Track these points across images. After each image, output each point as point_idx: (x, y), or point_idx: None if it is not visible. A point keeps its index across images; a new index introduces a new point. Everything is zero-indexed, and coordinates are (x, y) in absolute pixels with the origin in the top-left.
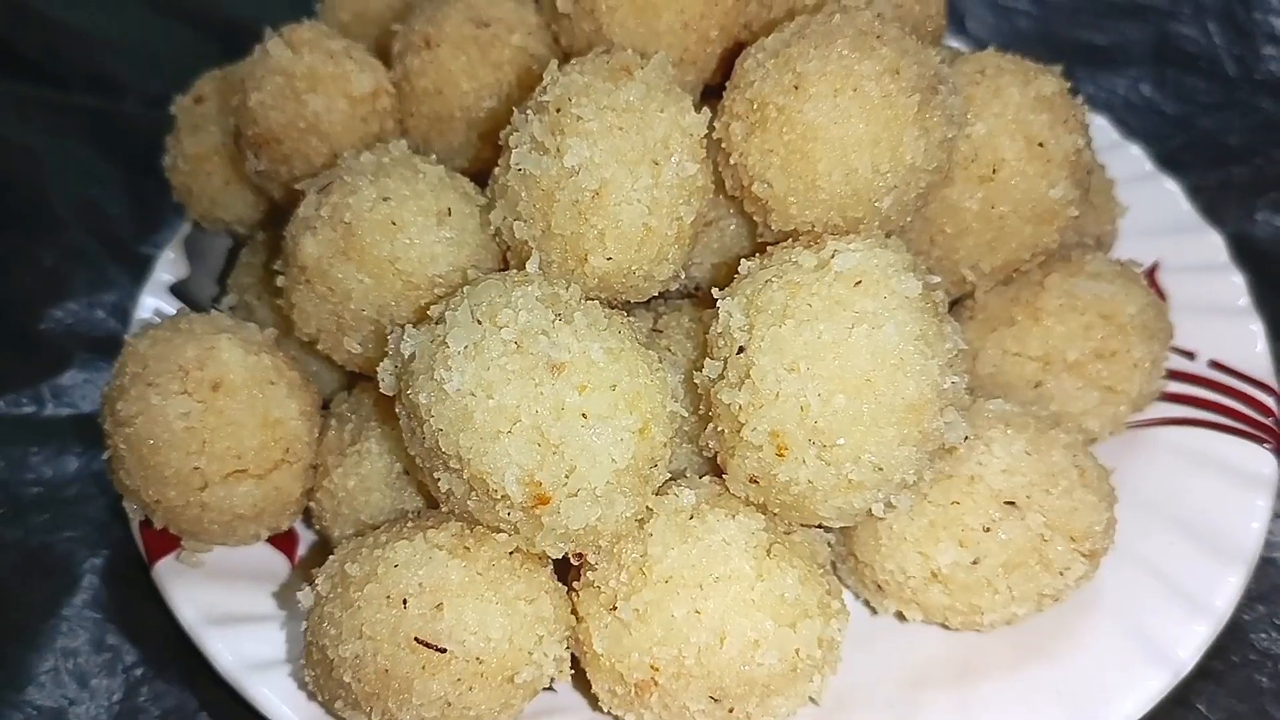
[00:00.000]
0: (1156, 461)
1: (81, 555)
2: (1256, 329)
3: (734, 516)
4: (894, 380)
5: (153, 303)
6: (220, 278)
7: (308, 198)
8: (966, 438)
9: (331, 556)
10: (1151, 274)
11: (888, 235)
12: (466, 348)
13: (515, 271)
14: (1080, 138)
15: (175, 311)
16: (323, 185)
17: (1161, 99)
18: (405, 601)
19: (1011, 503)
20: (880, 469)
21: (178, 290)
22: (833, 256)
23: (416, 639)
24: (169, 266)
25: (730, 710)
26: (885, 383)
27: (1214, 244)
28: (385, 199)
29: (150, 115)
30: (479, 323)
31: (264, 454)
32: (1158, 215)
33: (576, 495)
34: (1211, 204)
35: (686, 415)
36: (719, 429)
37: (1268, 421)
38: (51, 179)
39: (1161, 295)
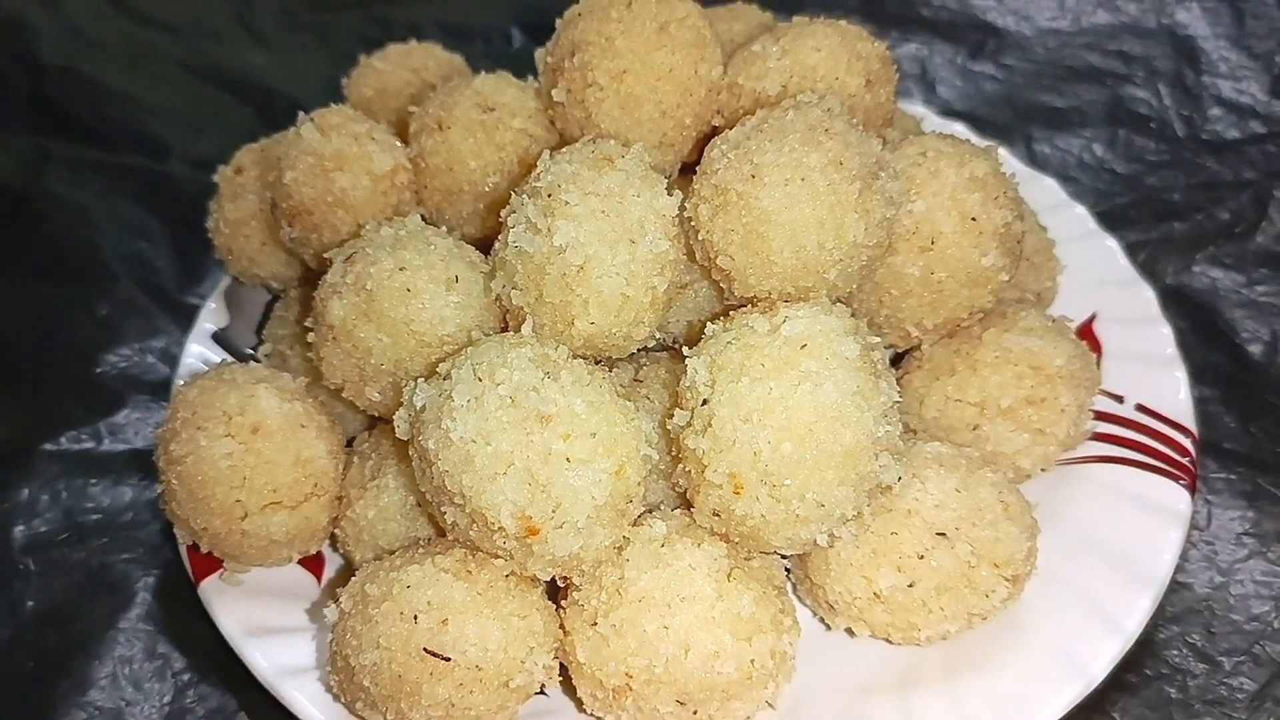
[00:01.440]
0: (1083, 495)
1: (135, 575)
2: (1180, 376)
3: (699, 545)
4: (833, 430)
5: (198, 349)
6: (258, 328)
7: (334, 265)
8: (900, 478)
9: (354, 578)
10: (1089, 324)
11: (835, 301)
12: (469, 401)
13: (512, 334)
14: (1009, 212)
15: (218, 358)
16: (348, 255)
17: (1112, 158)
18: (416, 617)
19: (942, 534)
20: (822, 505)
21: (219, 338)
22: (783, 323)
23: (425, 649)
24: (211, 316)
25: (695, 713)
26: (826, 432)
27: (1146, 298)
28: (401, 269)
29: (192, 176)
30: (479, 380)
31: (296, 489)
32: (1097, 271)
33: (562, 527)
34: (1153, 257)
35: (658, 457)
36: (686, 469)
37: (1184, 461)
38: (102, 235)
39: (1097, 344)
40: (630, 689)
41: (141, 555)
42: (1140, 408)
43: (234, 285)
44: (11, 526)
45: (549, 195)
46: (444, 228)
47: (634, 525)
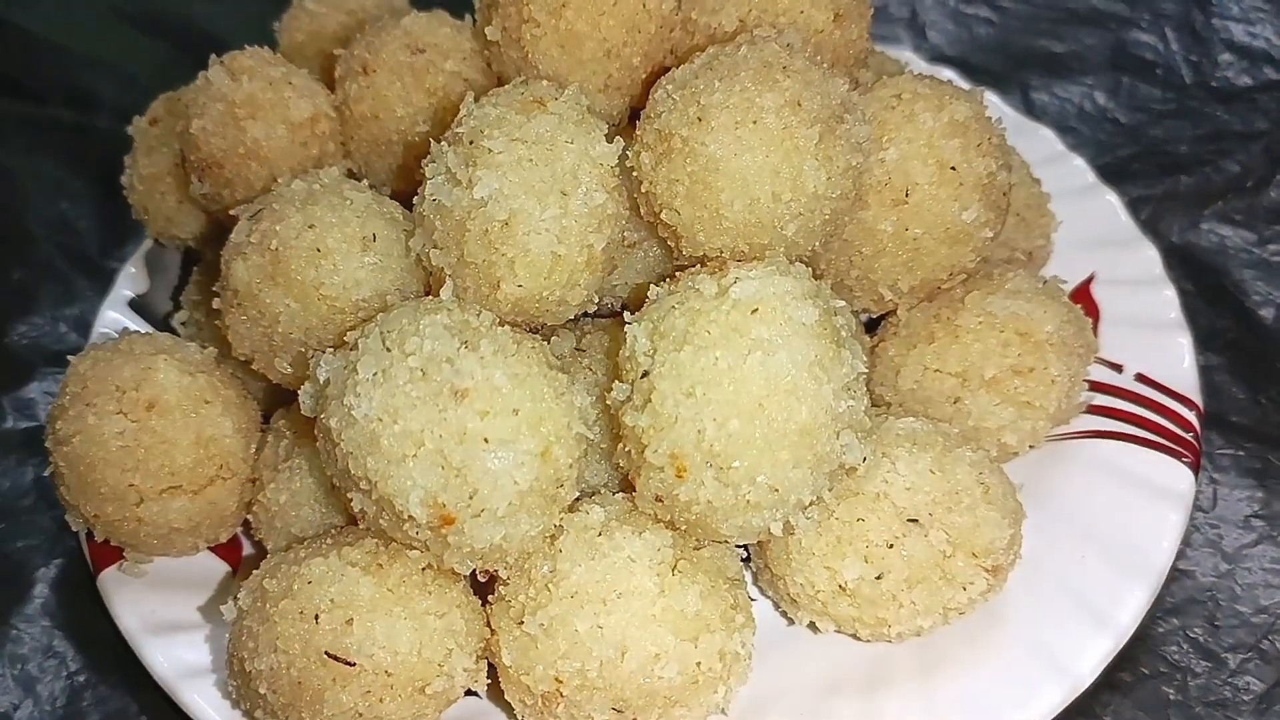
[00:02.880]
0: (1075, 474)
1: (35, 564)
2: (1184, 343)
3: (641, 534)
4: (787, 405)
5: (114, 316)
6: (175, 294)
7: (240, 224)
8: (865, 458)
9: (255, 572)
10: (1086, 286)
11: (795, 260)
12: (375, 375)
13: (428, 299)
14: (993, 161)
15: (136, 326)
16: (254, 212)
17: (1115, 107)
18: (317, 617)
19: (914, 520)
20: (776, 490)
21: (136, 305)
22: (732, 284)
23: (327, 653)
24: (130, 281)
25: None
26: (778, 408)
27: (1149, 257)
28: (311, 226)
29: (123, 131)
30: (388, 350)
31: (197, 471)
32: (1096, 228)
33: (480, 516)
34: (1157, 214)
35: (594, 438)
36: (626, 449)
37: (1188, 436)
38: (23, 194)
39: (1094, 308)
40: (561, 695)
41: (42, 543)
42: (1140, 377)
43: (155, 248)
44: None
45: (470, 142)
46: (369, 182)
47: (568, 511)
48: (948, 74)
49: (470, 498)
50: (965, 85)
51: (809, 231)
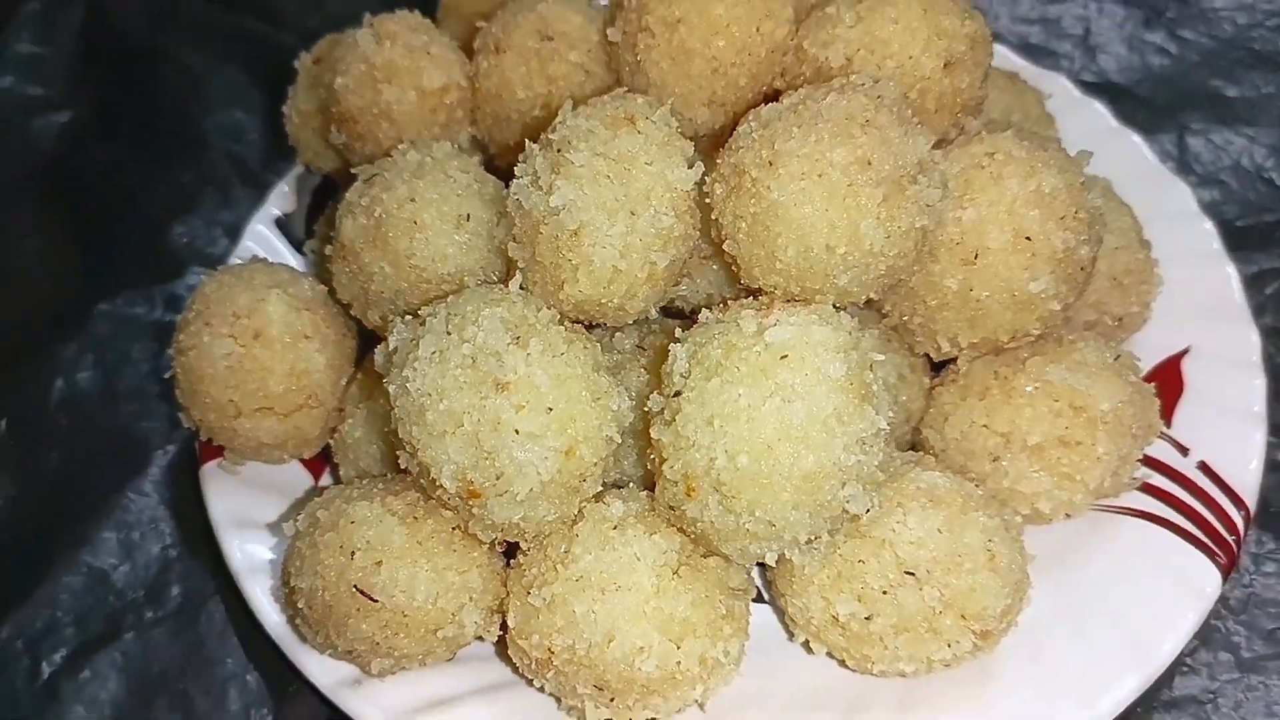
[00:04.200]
0: (1107, 549)
1: (155, 444)
2: (1258, 439)
3: (652, 534)
4: (795, 452)
5: (260, 230)
6: (310, 220)
7: (355, 185)
8: (869, 509)
9: (316, 499)
10: (1178, 360)
11: (843, 308)
12: (432, 354)
13: (497, 288)
14: (1073, 236)
15: (278, 242)
16: (369, 176)
17: (1274, 167)
18: (353, 554)
19: (911, 573)
20: (772, 525)
21: (281, 223)
22: (771, 326)
23: (355, 587)
24: (279, 199)
25: (612, 700)
26: (786, 452)
27: (1249, 341)
28: (412, 200)
29: (300, 49)
30: (448, 334)
31: (287, 398)
32: (1204, 299)
33: (503, 496)
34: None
35: (622, 440)
36: (651, 456)
37: (1229, 539)
38: (206, 100)
39: (1180, 383)
40: (552, 664)
41: (165, 427)
42: (1203, 466)
43: (306, 172)
44: (52, 381)
45: (558, 150)
46: (492, 151)
47: (592, 500)
48: (1098, 106)
49: (496, 479)
50: (1113, 121)
51: (863, 283)
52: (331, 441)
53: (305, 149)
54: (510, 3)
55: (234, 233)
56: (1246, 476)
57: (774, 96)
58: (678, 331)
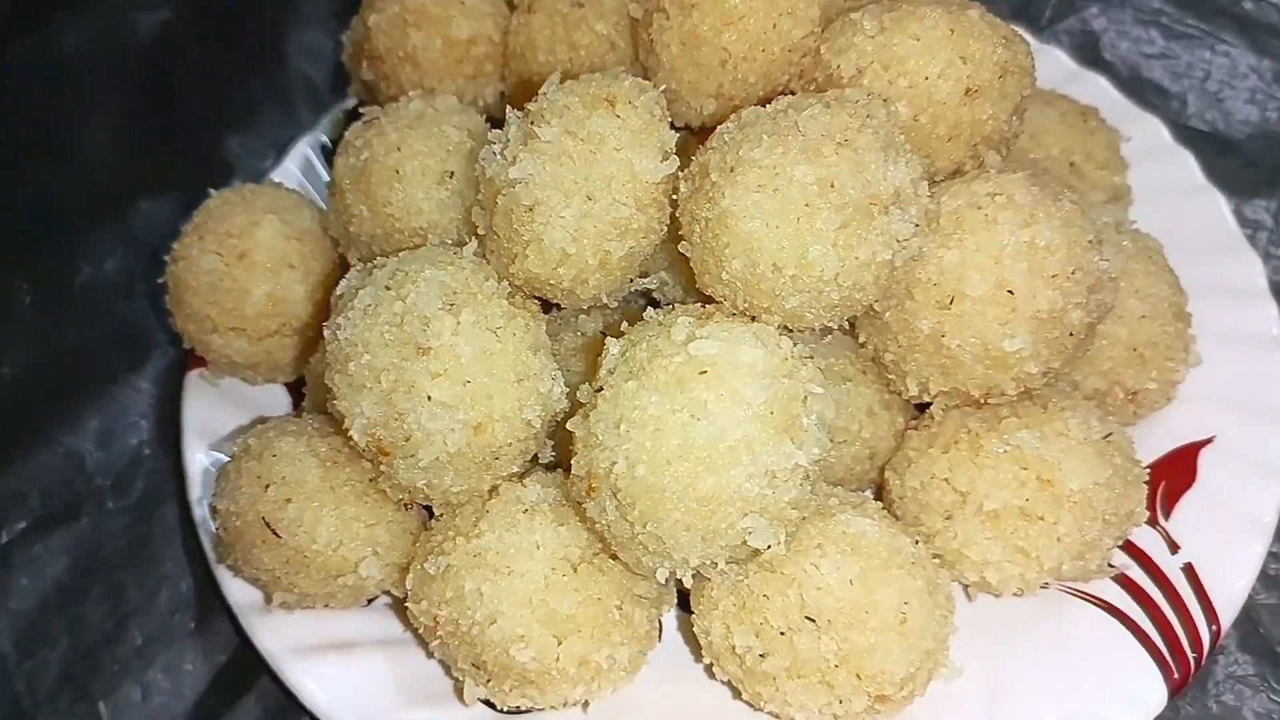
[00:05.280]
0: (1057, 636)
1: (159, 343)
2: (1257, 552)
3: (560, 525)
4: (693, 473)
5: (306, 153)
6: None
7: (355, 124)
8: (771, 547)
9: (256, 426)
10: (1197, 449)
11: (791, 331)
12: (367, 307)
13: (451, 249)
14: (1061, 296)
15: (319, 165)
16: (370, 118)
17: None
18: (268, 487)
19: (812, 619)
20: (661, 542)
21: (326, 150)
22: (698, 338)
23: (264, 519)
24: (332, 125)
25: (489, 681)
26: (685, 471)
27: (1274, 445)
28: (399, 149)
29: None
30: (387, 289)
31: (261, 322)
32: (1243, 388)
33: (408, 459)
34: None
35: (541, 426)
36: (569, 446)
37: (1191, 655)
38: (292, 16)
39: (1193, 475)
40: (437, 633)
41: (165, 327)
42: (1188, 569)
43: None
44: (79, 264)
45: (532, 122)
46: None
47: (514, 479)
48: (1187, 157)
49: (404, 440)
50: (1200, 176)
51: (815, 310)
52: (306, 370)
53: (354, 79)
54: None
55: (285, 151)
56: (1230, 591)
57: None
58: (624, 326)
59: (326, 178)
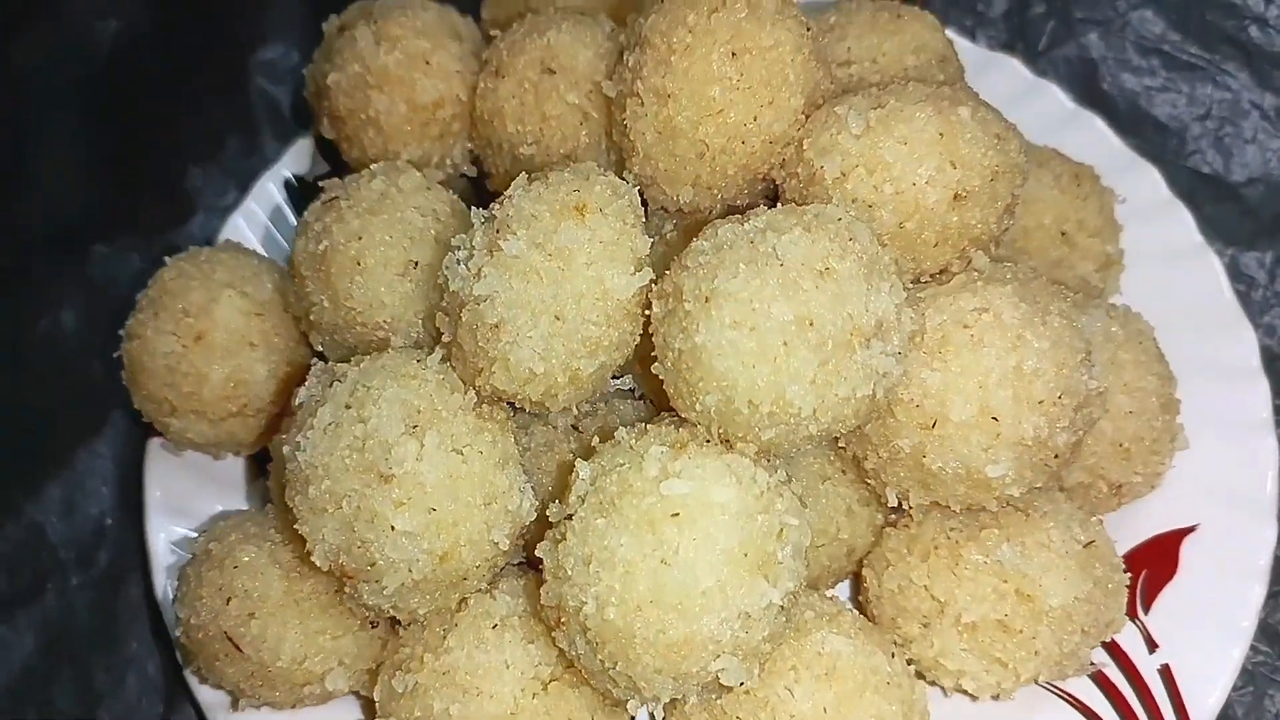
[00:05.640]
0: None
1: (117, 402)
2: (1235, 656)
3: (530, 643)
4: (664, 619)
5: (270, 189)
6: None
7: (314, 205)
8: (743, 684)
9: (218, 524)
10: (1179, 538)
11: (770, 458)
12: (328, 425)
13: (414, 359)
14: (1050, 424)
15: (278, 204)
16: (328, 199)
17: None
18: (229, 600)
19: None
20: (632, 681)
21: (290, 187)
22: (671, 475)
23: (225, 633)
24: (295, 159)
25: None
26: (655, 618)
27: (1263, 539)
28: (359, 237)
29: None
30: (347, 408)
31: (220, 405)
32: (1232, 476)
33: (373, 584)
34: None
35: (509, 547)
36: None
37: None
38: (261, 31)
39: (1174, 565)
40: None
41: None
42: (1164, 672)
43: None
44: (37, 318)
45: (498, 230)
46: (479, 170)
47: (487, 589)
48: (1184, 215)
49: (369, 567)
50: (1196, 235)
51: (792, 442)
52: (270, 445)
53: (319, 118)
54: (527, 18)
55: (248, 185)
56: (1206, 700)
57: (770, 186)
58: (596, 443)
59: (291, 219)
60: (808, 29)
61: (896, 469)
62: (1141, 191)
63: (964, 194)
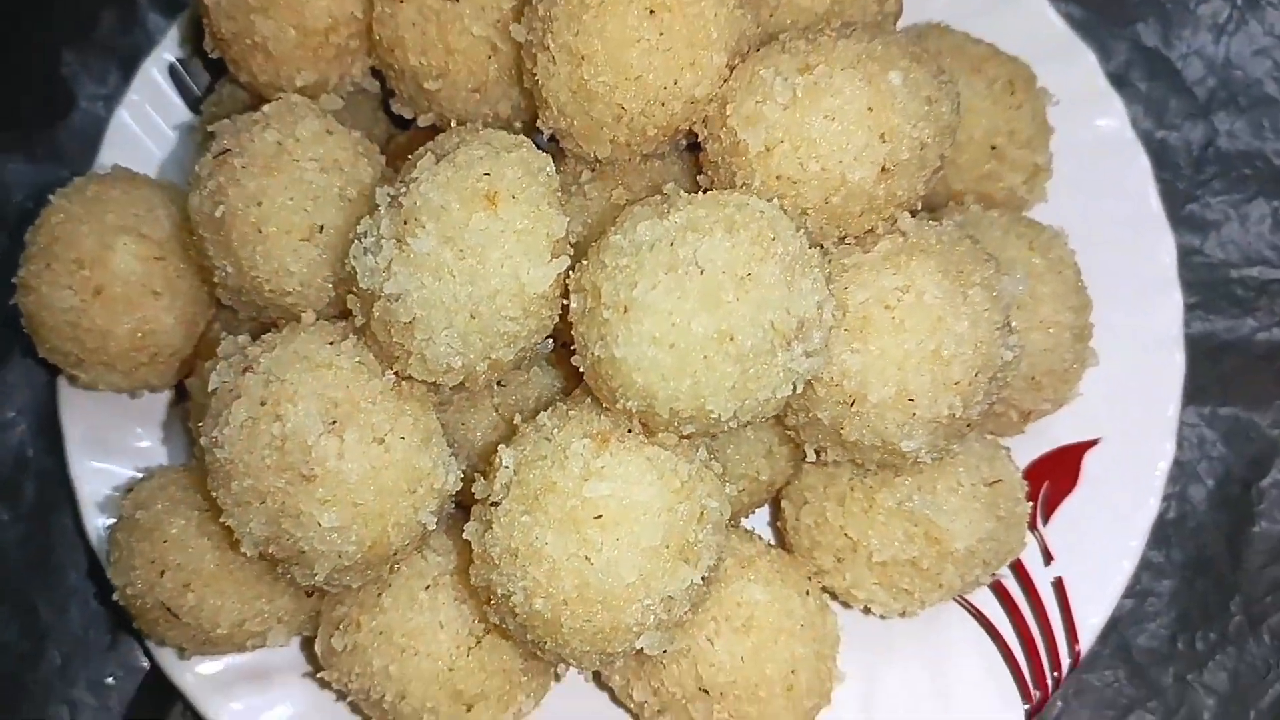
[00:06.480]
0: (935, 642)
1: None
2: (1126, 568)
3: (463, 602)
4: (590, 611)
5: (154, 77)
6: (207, 90)
7: (204, 158)
8: (665, 650)
9: (145, 483)
10: (1082, 450)
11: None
12: (244, 422)
13: (328, 342)
14: (963, 404)
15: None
16: (220, 151)
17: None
18: (163, 572)
19: (706, 691)
20: (560, 656)
21: (176, 71)
22: (593, 474)
23: (163, 603)
24: (173, 44)
25: None
26: (583, 611)
27: (1161, 453)
28: (258, 202)
29: None
30: (262, 404)
31: (129, 357)
32: (1138, 391)
33: (302, 567)
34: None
35: (437, 525)
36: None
37: (1050, 676)
38: None
39: (1074, 480)
40: (347, 698)
41: None
42: (1057, 585)
43: None
44: None
45: (405, 222)
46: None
47: (418, 548)
48: (1118, 107)
49: (299, 555)
50: (1127, 131)
51: (713, 433)
52: (187, 383)
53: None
54: None
55: (130, 64)
56: (1095, 613)
57: (692, 139)
58: (519, 421)
59: (181, 107)
60: None
61: (814, 431)
62: (1076, 80)
63: (892, 167)
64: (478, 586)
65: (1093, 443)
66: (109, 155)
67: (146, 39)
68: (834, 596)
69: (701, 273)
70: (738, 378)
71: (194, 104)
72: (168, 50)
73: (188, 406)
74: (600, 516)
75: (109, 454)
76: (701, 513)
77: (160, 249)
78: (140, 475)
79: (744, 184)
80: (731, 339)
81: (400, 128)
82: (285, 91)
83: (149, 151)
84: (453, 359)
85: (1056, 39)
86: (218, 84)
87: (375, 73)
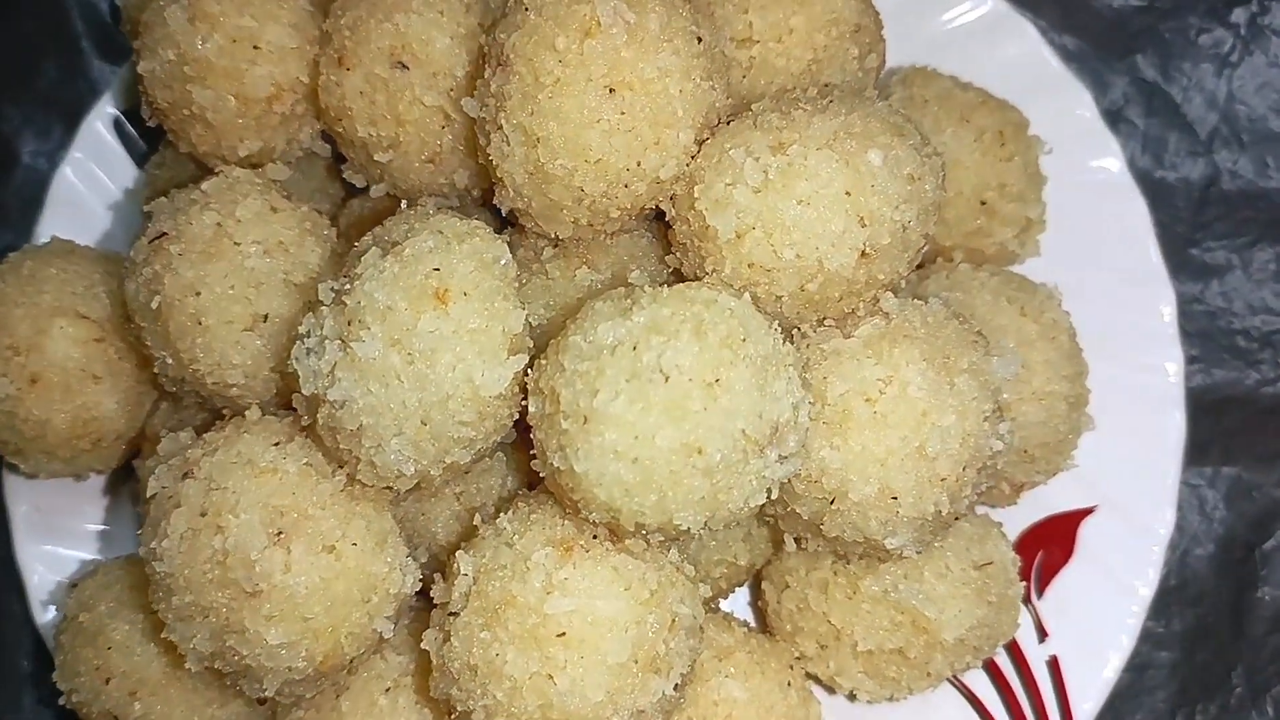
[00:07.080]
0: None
1: None
2: (1125, 644)
3: (423, 706)
4: None
5: (98, 131)
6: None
7: (139, 243)
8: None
9: (88, 580)
10: (1079, 519)
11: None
12: (183, 534)
13: (274, 440)
14: (950, 498)
15: (115, 146)
16: (155, 235)
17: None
18: (108, 680)
19: None
20: None
21: (120, 125)
22: (555, 589)
23: (110, 712)
24: (127, 89)
25: None
26: None
27: (1161, 522)
28: (197, 292)
29: None
30: (203, 515)
31: (70, 445)
32: (1135, 456)
33: (250, 680)
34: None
35: (392, 633)
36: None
37: None
38: None
39: (1070, 550)
40: None
41: None
42: (1052, 664)
43: None
44: None
45: (349, 322)
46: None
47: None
48: (1113, 149)
49: (246, 671)
50: (1124, 175)
51: (681, 539)
52: (135, 464)
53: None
54: None
55: (75, 117)
56: (1089, 698)
57: (659, 214)
58: (479, 522)
59: (126, 162)
60: (699, 39)
61: (794, 523)
62: (1070, 119)
63: (872, 252)
64: (439, 698)
65: (1089, 510)
66: (51, 217)
67: (90, 89)
68: (818, 681)
69: (666, 380)
70: (707, 490)
71: (141, 160)
72: (111, 103)
73: (136, 487)
74: (564, 634)
75: (56, 537)
76: (673, 621)
77: (100, 329)
78: (88, 561)
79: (714, 270)
80: (699, 451)
81: (355, 190)
82: (227, 162)
83: (93, 213)
84: (405, 465)
85: (1050, 76)
86: (163, 142)
87: (326, 136)
